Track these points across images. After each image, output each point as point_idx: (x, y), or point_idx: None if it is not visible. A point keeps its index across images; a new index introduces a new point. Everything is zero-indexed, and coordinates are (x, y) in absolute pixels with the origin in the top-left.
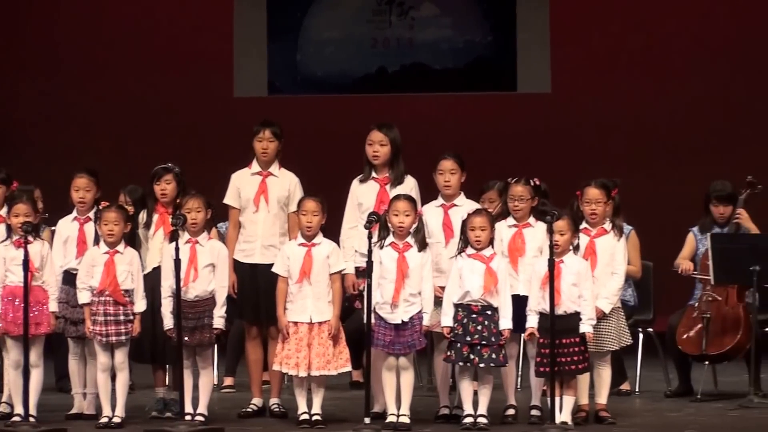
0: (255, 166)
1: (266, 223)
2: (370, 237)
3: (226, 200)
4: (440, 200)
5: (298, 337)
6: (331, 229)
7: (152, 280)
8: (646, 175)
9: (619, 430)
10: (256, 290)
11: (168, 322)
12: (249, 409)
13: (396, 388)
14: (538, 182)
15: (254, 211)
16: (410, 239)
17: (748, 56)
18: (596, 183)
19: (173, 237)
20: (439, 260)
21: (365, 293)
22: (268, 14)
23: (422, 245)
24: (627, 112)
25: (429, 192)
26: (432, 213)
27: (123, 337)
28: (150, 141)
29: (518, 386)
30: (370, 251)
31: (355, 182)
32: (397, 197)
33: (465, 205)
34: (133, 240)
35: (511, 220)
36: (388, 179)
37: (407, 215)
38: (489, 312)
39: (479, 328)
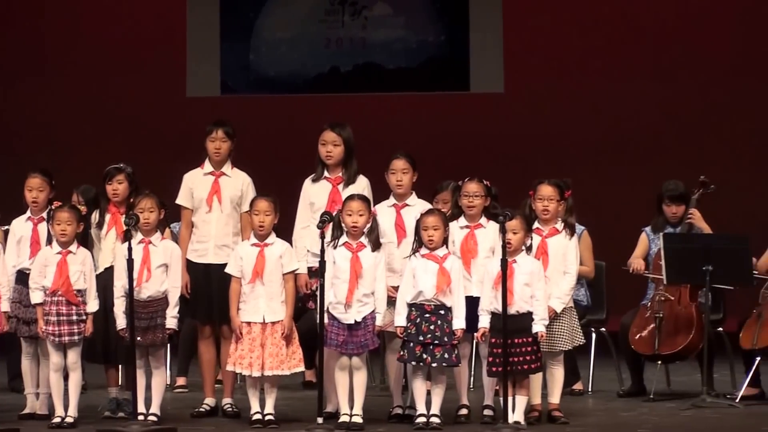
0: (208, 166)
1: (219, 223)
2: (322, 237)
3: (179, 200)
4: (392, 200)
5: (252, 337)
6: (284, 229)
7: (104, 280)
8: (598, 175)
9: (572, 430)
10: (209, 290)
11: (121, 321)
12: (202, 409)
13: (349, 388)
14: (488, 184)
15: (207, 211)
16: (364, 239)
17: (698, 57)
18: (549, 181)
19: (126, 237)
20: (392, 260)
21: (318, 293)
22: (221, 14)
23: (376, 245)
24: (579, 112)
25: (381, 192)
26: (384, 213)
27: (76, 337)
28: (103, 141)
29: (471, 386)
30: (322, 251)
31: (308, 182)
32: (351, 197)
33: (417, 205)
34: (85, 240)
35: (463, 221)
36: (341, 179)
37: (361, 215)
38: (442, 312)
39: (432, 327)
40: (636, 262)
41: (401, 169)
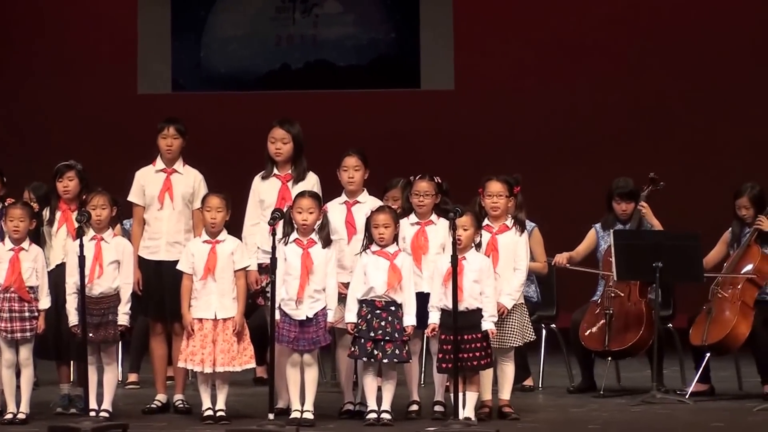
0: (159, 163)
1: (171, 220)
2: (273, 234)
3: (131, 197)
4: (344, 197)
5: (203, 334)
6: (234, 226)
7: (56, 277)
8: (549, 173)
9: (522, 426)
10: (161, 287)
11: (72, 318)
12: (153, 405)
13: (300, 385)
14: (440, 180)
15: (159, 209)
16: (315, 236)
17: (649, 56)
18: (498, 177)
19: (78, 234)
20: (342, 257)
21: (269, 290)
22: (172, 12)
23: (326, 242)
24: (529, 110)
25: (332, 189)
26: (335, 210)
27: (27, 334)
28: (54, 138)
29: (422, 382)
30: (274, 248)
31: (257, 179)
32: (302, 194)
33: (368, 202)
34: (37, 237)
35: (413, 218)
36: (290, 176)
37: (311, 212)
38: (393, 308)
39: (383, 324)
40: (559, 257)
41: (353, 166)
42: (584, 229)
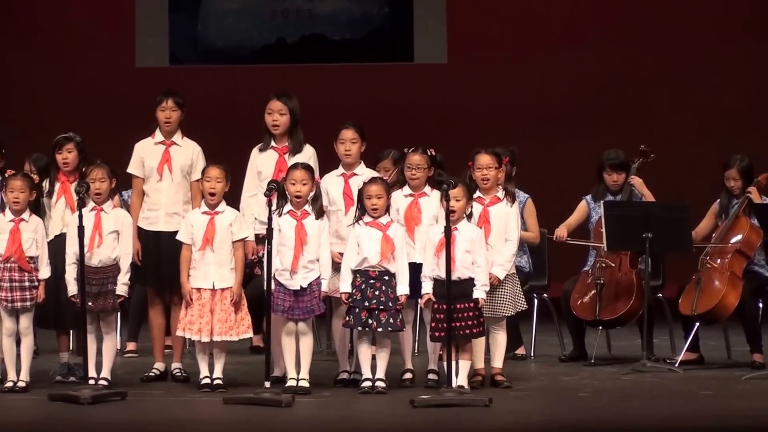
0: (158, 136)
1: (170, 191)
2: (270, 205)
3: (130, 169)
4: (341, 169)
5: (201, 303)
6: (232, 198)
7: (55, 247)
8: (541, 145)
9: (515, 394)
10: (160, 257)
11: (72, 288)
12: (151, 374)
13: (296, 353)
14: (434, 152)
15: (158, 180)
16: (308, 207)
17: (641, 29)
18: (486, 150)
19: (78, 204)
20: (340, 228)
21: (265, 260)
22: None
23: (320, 213)
24: (522, 83)
25: (329, 161)
26: (333, 182)
27: (28, 303)
28: (54, 111)
29: (415, 351)
30: (270, 219)
31: (255, 151)
32: (294, 166)
33: (365, 174)
34: (37, 208)
35: (407, 190)
36: (287, 148)
37: (304, 184)
38: (386, 277)
39: (377, 293)
40: (559, 230)
41: (350, 139)
42: (576, 201)
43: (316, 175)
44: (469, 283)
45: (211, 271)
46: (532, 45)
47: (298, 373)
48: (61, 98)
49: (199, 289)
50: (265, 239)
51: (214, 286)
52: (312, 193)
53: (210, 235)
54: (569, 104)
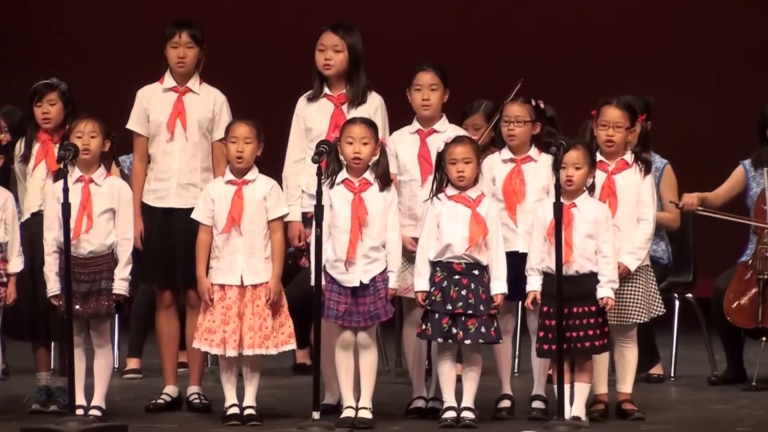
0: (168, 80)
1: (184, 154)
2: (320, 173)
3: (130, 125)
4: (416, 125)
5: (226, 305)
6: (269, 164)
7: (31, 231)
8: (685, 93)
9: (648, 428)
10: (171, 243)
11: (53, 285)
12: (160, 401)
13: (354, 373)
14: (542, 105)
15: (168, 139)
16: (369, 175)
17: None
18: (618, 101)
19: (60, 174)
20: (414, 203)
21: (312, 247)
22: None
23: (385, 182)
24: (655, 10)
25: (401, 116)
26: (405, 141)
27: None
28: (33, 49)
29: (515, 370)
30: (319, 192)
31: (302, 101)
32: (352, 120)
33: (448, 132)
34: (6, 178)
35: (506, 153)
36: (345, 97)
37: (365, 143)
38: (476, 272)
39: (464, 293)
40: (688, 197)
41: (428, 85)
42: (730, 168)
43: (383, 132)
44: (591, 278)
45: (238, 262)
46: None
47: (358, 400)
48: (44, 32)
49: (222, 286)
50: (313, 219)
51: (242, 281)
52: (375, 157)
53: (236, 212)
54: (725, 42)
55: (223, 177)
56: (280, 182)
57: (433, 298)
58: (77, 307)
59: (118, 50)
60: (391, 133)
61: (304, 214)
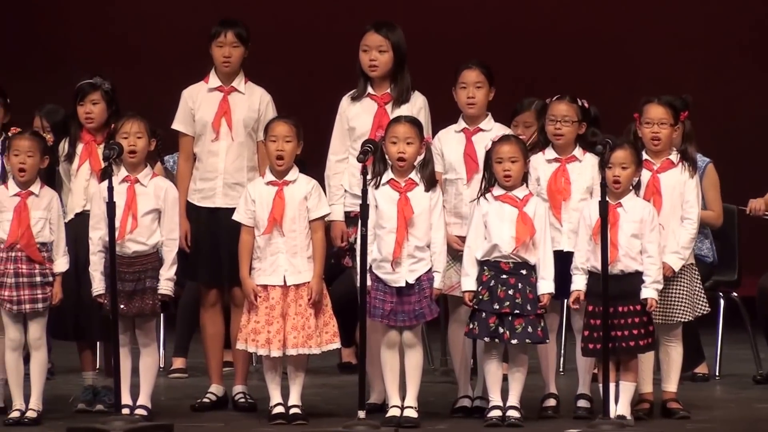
0: (213, 80)
1: (230, 154)
2: (364, 172)
3: (176, 125)
4: (461, 123)
5: (269, 306)
6: (312, 164)
7: (76, 230)
8: (729, 87)
9: (693, 426)
10: (216, 243)
11: (98, 285)
12: (206, 400)
13: (400, 372)
14: (587, 105)
15: (213, 139)
16: (415, 175)
17: None
18: (660, 99)
19: (106, 173)
20: (460, 202)
21: (358, 247)
22: None
23: (430, 183)
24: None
25: (446, 115)
26: (451, 140)
27: (40, 305)
28: (76, 48)
29: (561, 369)
30: (364, 191)
31: (345, 100)
32: (397, 119)
33: (494, 130)
34: (52, 178)
35: (551, 153)
36: (389, 96)
37: (409, 143)
38: (524, 272)
39: (511, 292)
40: (756, 202)
41: (474, 83)
42: None
43: (427, 132)
44: (636, 278)
45: (281, 262)
46: None
47: (403, 399)
48: (86, 32)
49: (265, 287)
50: (357, 219)
51: (285, 282)
52: (421, 156)
53: (278, 213)
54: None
55: (264, 178)
56: (321, 182)
57: (481, 297)
58: (122, 306)
59: (161, 50)
60: (435, 132)
61: (347, 214)
